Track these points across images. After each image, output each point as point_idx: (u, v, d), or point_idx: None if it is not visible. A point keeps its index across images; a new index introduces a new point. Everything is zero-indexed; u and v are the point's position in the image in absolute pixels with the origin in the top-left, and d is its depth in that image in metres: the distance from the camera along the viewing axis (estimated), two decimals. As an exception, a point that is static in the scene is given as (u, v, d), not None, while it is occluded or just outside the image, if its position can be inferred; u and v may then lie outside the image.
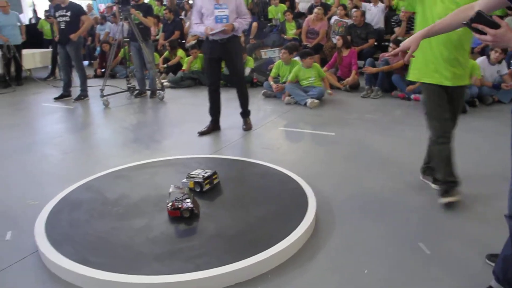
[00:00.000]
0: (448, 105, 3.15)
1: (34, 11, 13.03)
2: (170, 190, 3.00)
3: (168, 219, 2.90)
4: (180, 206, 2.89)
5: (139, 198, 3.24)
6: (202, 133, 5.24)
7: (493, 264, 2.27)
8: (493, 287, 2.13)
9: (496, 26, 1.80)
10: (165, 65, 9.35)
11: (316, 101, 6.42)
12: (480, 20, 1.83)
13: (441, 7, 2.91)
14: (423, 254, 2.60)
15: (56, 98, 7.55)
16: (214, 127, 5.36)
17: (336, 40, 7.77)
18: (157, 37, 10.52)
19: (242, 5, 5.03)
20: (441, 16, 2.51)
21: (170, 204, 2.92)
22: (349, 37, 8.22)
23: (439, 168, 3.26)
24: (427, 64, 3.08)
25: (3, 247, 2.80)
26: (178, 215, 2.89)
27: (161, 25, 10.72)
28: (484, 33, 1.76)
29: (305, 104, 6.43)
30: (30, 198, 3.52)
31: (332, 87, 7.41)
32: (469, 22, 1.84)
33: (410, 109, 6.12)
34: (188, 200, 2.93)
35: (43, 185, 3.85)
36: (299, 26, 9.58)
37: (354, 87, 7.46)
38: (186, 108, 6.78)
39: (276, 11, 10.24)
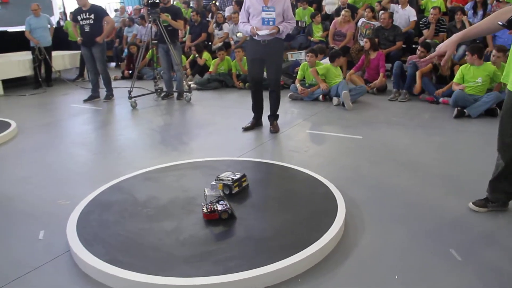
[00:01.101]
0: None
1: (64, 14, 13.26)
2: (207, 193, 3.02)
3: (197, 222, 2.91)
4: (217, 208, 2.91)
5: (168, 200, 3.26)
6: (246, 129, 5.47)
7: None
8: None
9: None
10: (189, 69, 9.45)
11: (348, 93, 6.53)
12: None
13: None
14: (455, 261, 2.55)
15: (86, 100, 7.68)
16: (257, 122, 5.57)
17: (364, 42, 7.70)
18: (184, 39, 10.59)
19: (289, 9, 5.08)
20: None
21: (207, 207, 2.93)
22: (376, 40, 8.16)
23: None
24: (509, 68, 2.73)
25: (36, 246, 2.86)
26: (216, 218, 2.90)
27: (188, 27, 10.80)
28: None
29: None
30: (61, 198, 3.58)
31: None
32: (506, 24, 1.81)
33: (438, 113, 6.03)
34: (222, 202, 2.95)
35: (73, 185, 3.91)
36: (326, 29, 9.54)
37: (381, 90, 7.40)
38: (213, 110, 6.81)
39: (303, 13, 10.21)
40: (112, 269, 2.41)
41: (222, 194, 3.08)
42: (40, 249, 2.82)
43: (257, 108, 5.52)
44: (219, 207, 2.91)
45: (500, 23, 1.78)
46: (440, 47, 2.42)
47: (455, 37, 2.38)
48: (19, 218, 3.28)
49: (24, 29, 9.09)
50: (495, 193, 3.10)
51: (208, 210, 2.91)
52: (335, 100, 6.73)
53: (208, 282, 2.28)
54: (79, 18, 7.30)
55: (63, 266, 2.63)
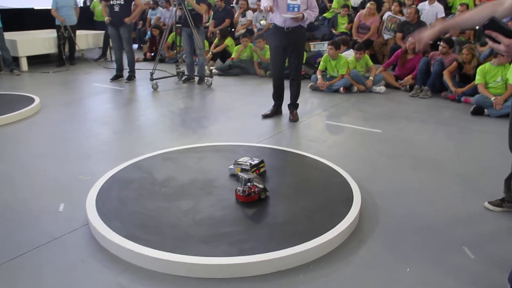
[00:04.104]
0: None
1: (89, -7, 13.32)
2: (245, 176, 3.04)
3: (214, 203, 2.96)
4: (254, 190, 2.95)
5: (187, 180, 3.31)
6: (265, 116, 5.51)
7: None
8: None
9: (511, 34, 1.70)
10: (210, 52, 9.41)
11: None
12: (494, 26, 1.72)
13: None
14: (468, 259, 2.56)
15: (112, 79, 7.80)
16: (276, 111, 5.60)
17: (409, 42, 7.33)
18: (207, 24, 10.60)
19: None
20: None
21: (244, 190, 2.95)
22: (401, 34, 8.10)
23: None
24: None
25: (57, 218, 2.93)
26: (256, 199, 2.96)
27: (211, 13, 10.80)
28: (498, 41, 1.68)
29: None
30: (82, 174, 3.65)
31: (389, 86, 7.33)
32: (482, 28, 1.73)
33: (459, 112, 5.96)
34: (255, 183, 2.99)
35: (94, 162, 3.98)
36: (350, 21, 9.48)
37: (411, 86, 7.23)
38: (233, 96, 6.84)
39: (339, 3, 10.08)
40: (129, 244, 2.47)
41: (255, 175, 3.11)
42: (60, 221, 2.89)
43: (278, 97, 5.54)
44: (256, 189, 2.95)
45: (477, 27, 1.74)
46: (423, 34, 2.31)
47: (438, 25, 2.27)
48: (41, 191, 3.36)
49: (50, 7, 9.18)
50: (511, 192, 3.10)
51: (246, 193, 2.94)
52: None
53: (222, 262, 2.32)
54: None
55: (81, 239, 2.70)
